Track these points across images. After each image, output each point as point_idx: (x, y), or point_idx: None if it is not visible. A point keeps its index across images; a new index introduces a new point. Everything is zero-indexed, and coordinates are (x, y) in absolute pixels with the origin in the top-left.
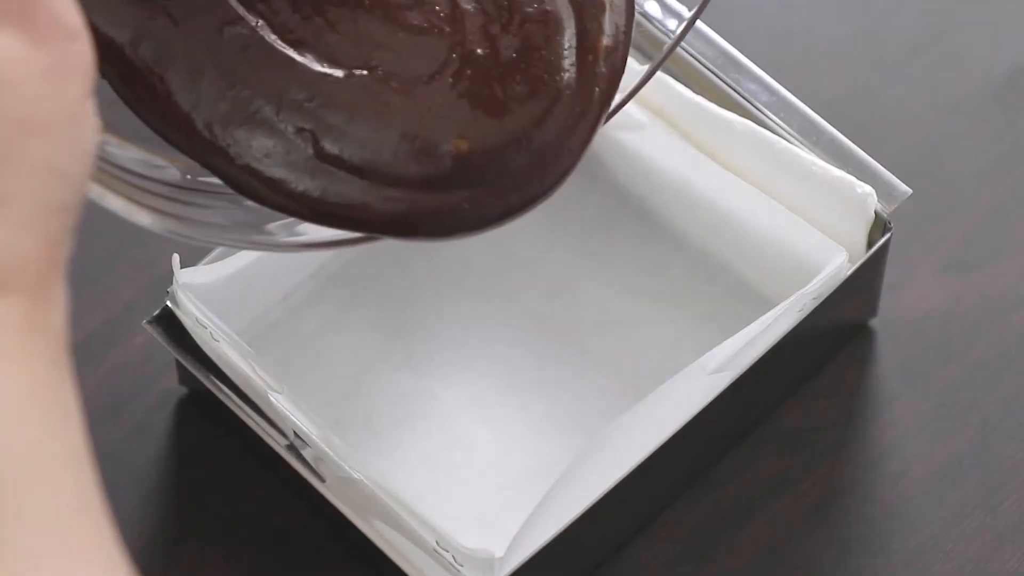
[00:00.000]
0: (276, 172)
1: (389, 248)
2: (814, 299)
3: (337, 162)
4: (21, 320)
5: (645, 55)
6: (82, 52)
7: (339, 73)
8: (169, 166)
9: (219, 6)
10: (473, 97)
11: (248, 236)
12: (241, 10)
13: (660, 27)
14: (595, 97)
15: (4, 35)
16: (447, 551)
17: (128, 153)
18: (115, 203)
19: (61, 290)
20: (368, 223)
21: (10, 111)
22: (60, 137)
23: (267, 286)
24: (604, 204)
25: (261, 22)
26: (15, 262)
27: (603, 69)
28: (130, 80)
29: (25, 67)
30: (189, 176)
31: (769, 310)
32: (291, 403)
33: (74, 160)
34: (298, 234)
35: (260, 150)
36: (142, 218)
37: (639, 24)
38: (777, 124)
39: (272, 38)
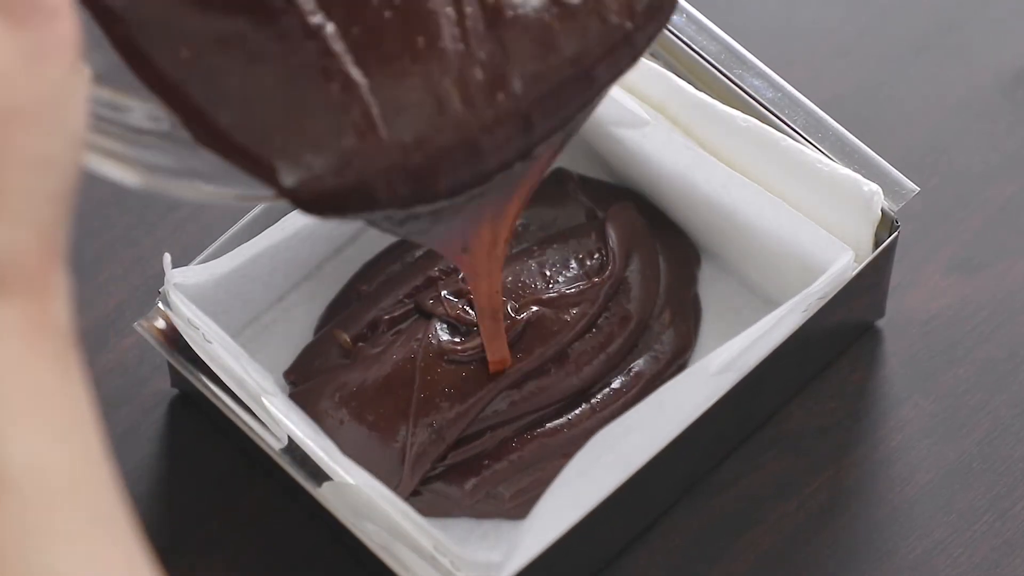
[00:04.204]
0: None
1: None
2: (820, 299)
3: None
4: (23, 320)
5: (649, 53)
6: (64, 29)
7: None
8: (135, 107)
9: None
10: None
11: (200, 185)
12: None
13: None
14: None
15: None
16: (445, 556)
17: (100, 94)
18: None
19: (61, 278)
20: None
21: None
22: (48, 123)
23: (261, 287)
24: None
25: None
26: (13, 260)
27: None
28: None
29: (5, 53)
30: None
31: (774, 310)
32: (286, 406)
33: (64, 145)
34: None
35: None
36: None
37: None
38: (782, 121)
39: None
